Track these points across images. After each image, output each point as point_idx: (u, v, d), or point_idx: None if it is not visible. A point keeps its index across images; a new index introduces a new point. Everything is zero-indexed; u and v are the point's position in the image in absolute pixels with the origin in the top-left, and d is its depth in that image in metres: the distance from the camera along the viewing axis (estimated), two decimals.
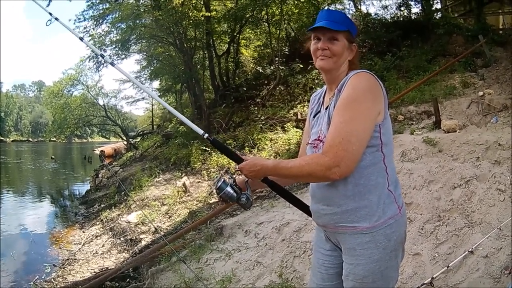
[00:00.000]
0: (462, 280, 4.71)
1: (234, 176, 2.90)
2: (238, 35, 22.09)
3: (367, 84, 2.43)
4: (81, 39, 4.19)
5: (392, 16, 20.97)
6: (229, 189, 2.74)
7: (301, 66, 18.33)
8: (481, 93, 10.88)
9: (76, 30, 22.09)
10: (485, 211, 5.79)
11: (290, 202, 3.04)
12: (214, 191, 2.80)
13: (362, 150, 2.37)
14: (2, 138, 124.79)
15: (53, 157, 51.61)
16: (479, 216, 5.74)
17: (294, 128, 14.60)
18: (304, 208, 2.95)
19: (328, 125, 2.52)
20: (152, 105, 43.81)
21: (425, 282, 4.74)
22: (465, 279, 4.70)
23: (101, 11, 21.89)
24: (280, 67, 19.99)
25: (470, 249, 5.01)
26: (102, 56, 4.16)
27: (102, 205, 16.07)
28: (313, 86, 16.65)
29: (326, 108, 2.67)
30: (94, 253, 10.75)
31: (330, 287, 2.82)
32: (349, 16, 2.90)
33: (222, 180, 2.79)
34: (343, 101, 2.42)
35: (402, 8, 20.82)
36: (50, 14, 4.02)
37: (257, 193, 9.28)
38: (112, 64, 3.93)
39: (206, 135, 3.01)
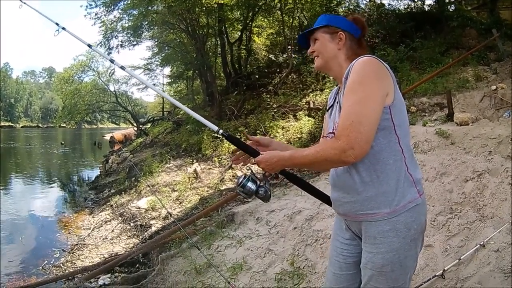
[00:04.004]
0: (473, 274, 4.70)
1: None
2: (250, 23, 22.00)
3: (370, 66, 2.46)
4: (90, 46, 4.29)
5: (405, 7, 20.91)
6: (249, 184, 2.78)
7: None
8: (494, 87, 10.82)
9: (87, 17, 22.22)
10: (497, 205, 5.78)
11: (311, 194, 3.06)
12: (237, 188, 2.83)
13: (374, 130, 2.39)
14: (12, 124, 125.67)
15: (62, 142, 52.01)
16: (491, 210, 5.73)
17: (306, 117, 14.56)
18: (325, 199, 2.96)
19: (340, 114, 2.55)
20: (163, 91, 43.72)
21: (436, 274, 4.74)
22: (476, 273, 4.70)
23: None
24: (293, 55, 19.96)
25: (481, 243, 5.00)
26: (112, 61, 4.18)
27: (112, 191, 16.18)
28: (326, 75, 16.60)
29: (337, 102, 2.70)
30: (103, 239, 10.82)
31: (348, 276, 2.85)
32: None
33: (243, 176, 2.82)
34: (349, 86, 2.46)
35: None
36: (57, 24, 4.14)
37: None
38: (123, 68, 4.02)
39: (221, 131, 3.03)
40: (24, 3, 4.56)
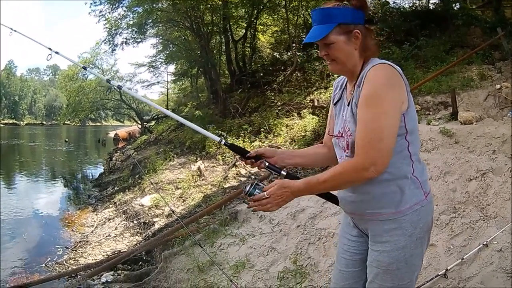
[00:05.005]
0: (476, 273, 4.69)
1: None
2: (255, 21, 22.00)
3: (385, 77, 2.38)
4: (85, 68, 4.41)
5: (410, 5, 20.89)
6: (257, 193, 2.64)
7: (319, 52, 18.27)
8: (498, 86, 10.79)
9: (91, 14, 22.31)
10: (500, 204, 5.76)
11: (317, 195, 3.02)
12: (244, 197, 2.78)
13: (393, 143, 2.36)
14: (16, 122, 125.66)
15: (66, 140, 52.04)
16: (494, 210, 5.72)
17: (311, 115, 14.56)
18: (333, 199, 2.94)
19: (352, 119, 2.52)
20: (168, 89, 43.67)
21: (439, 273, 4.74)
22: (479, 272, 4.68)
23: None
24: (297, 53, 19.95)
25: (484, 242, 4.99)
26: (108, 81, 4.17)
27: (115, 188, 16.17)
28: (330, 73, 16.61)
29: (348, 104, 2.62)
30: (106, 236, 10.83)
31: (353, 273, 2.85)
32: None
33: (250, 185, 2.72)
34: (364, 99, 2.39)
35: None
36: (50, 49, 4.17)
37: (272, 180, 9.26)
38: (120, 87, 4.12)
39: (223, 141, 3.05)
40: (15, 30, 4.59)
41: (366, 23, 2.59)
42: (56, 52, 4.11)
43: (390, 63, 2.44)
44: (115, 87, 4.00)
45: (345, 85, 2.78)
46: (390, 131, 2.34)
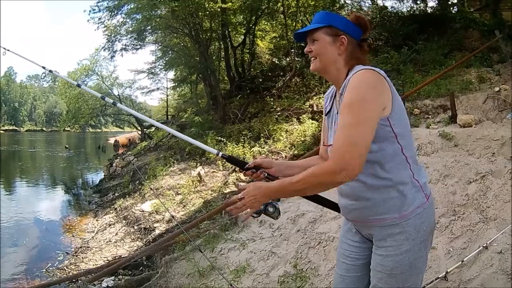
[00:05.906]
0: (476, 276, 4.70)
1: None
2: (254, 27, 22.03)
3: (366, 83, 2.39)
4: (79, 85, 4.52)
5: (408, 9, 20.99)
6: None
7: None
8: (497, 89, 10.84)
9: (90, 21, 22.40)
10: (500, 207, 5.79)
11: (317, 203, 3.07)
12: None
13: (367, 150, 2.35)
14: (16, 128, 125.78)
15: (67, 146, 52.08)
16: (494, 212, 5.74)
17: (310, 120, 14.56)
18: (332, 206, 2.98)
19: None
20: (167, 95, 43.64)
21: (439, 276, 4.74)
22: (479, 275, 4.70)
23: (116, 2, 21.91)
24: (296, 58, 19.99)
25: (484, 245, 5.01)
26: (103, 98, 4.22)
27: (116, 194, 16.17)
28: None
29: (337, 113, 2.65)
30: (107, 241, 10.81)
31: (354, 278, 2.86)
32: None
33: None
34: (345, 104, 2.41)
35: (418, 2, 20.83)
36: (44, 67, 4.22)
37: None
38: (115, 104, 4.24)
39: (221, 153, 3.12)
40: (8, 50, 4.64)
41: (361, 41, 2.69)
42: (50, 71, 4.16)
43: (373, 68, 2.46)
44: (111, 103, 4.04)
45: (335, 95, 2.82)
46: (366, 137, 2.34)
